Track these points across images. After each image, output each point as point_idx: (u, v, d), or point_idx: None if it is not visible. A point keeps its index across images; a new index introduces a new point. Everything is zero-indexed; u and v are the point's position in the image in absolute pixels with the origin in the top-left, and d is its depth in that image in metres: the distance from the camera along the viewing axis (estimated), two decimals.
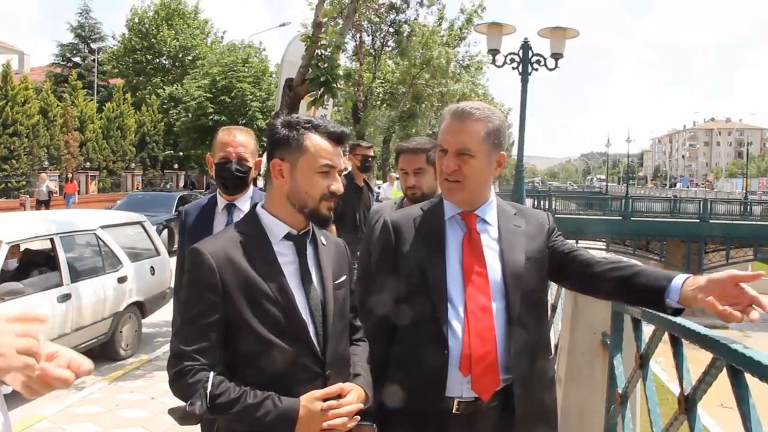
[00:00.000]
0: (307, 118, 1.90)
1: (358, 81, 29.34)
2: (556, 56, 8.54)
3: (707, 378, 1.79)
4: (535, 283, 2.12)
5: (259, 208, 1.95)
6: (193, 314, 1.80)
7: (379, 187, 17.57)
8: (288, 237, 1.92)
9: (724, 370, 1.68)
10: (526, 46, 8.69)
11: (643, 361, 2.36)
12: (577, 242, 28.75)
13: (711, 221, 30.72)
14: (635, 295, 1.97)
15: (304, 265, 1.92)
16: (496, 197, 2.23)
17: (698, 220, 30.67)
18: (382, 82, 34.27)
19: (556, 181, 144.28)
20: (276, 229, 1.91)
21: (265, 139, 1.97)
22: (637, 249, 31.75)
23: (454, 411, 2.04)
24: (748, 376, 1.59)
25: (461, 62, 34.10)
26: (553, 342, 4.39)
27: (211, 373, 1.75)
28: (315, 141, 1.87)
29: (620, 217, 30.91)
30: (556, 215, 30.44)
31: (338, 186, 1.89)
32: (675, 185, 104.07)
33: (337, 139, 1.89)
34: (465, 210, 2.15)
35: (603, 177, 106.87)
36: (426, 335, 2.05)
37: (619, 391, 2.60)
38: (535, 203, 33.48)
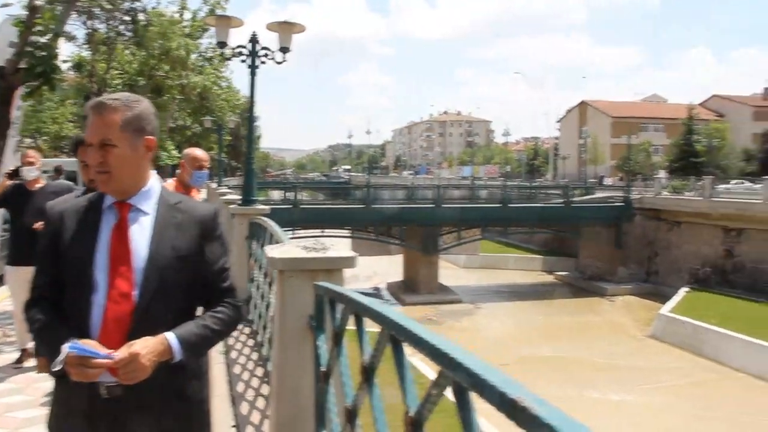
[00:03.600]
0: None
1: (91, 71, 27.63)
2: (284, 50, 8.84)
3: (379, 347, 1.96)
4: (180, 275, 2.19)
5: None
6: None
7: None
8: None
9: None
10: (254, 39, 8.82)
11: (337, 339, 2.51)
12: (323, 231, 29.66)
13: (444, 206, 33.17)
14: None
15: None
16: (162, 188, 2.30)
17: (433, 205, 32.93)
18: (120, 73, 32.52)
19: (304, 173, 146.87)
20: None
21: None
22: (379, 235, 33.42)
23: (103, 395, 2.09)
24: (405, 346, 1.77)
25: (204, 54, 33.44)
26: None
27: None
28: None
29: (363, 205, 32.24)
30: (303, 206, 31.09)
31: None
32: (417, 173, 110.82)
33: None
34: (119, 200, 2.21)
35: (348, 167, 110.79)
36: (72, 320, 2.12)
37: (323, 368, 2.73)
38: (285, 195, 33.92)
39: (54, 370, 1.98)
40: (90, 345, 1.97)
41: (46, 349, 2.11)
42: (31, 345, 6.80)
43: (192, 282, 2.25)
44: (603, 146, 75.36)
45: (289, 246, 3.18)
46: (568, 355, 23.77)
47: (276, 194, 36.60)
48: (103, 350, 1.98)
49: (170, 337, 2.11)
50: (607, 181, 63.76)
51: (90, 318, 2.10)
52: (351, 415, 2.33)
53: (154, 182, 2.29)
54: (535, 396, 1.14)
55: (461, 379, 1.37)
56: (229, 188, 18.78)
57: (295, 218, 29.15)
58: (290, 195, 32.90)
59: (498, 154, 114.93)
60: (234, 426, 4.36)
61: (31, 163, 6.29)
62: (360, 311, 2.23)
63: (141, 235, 2.19)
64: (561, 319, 29.22)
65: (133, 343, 2.02)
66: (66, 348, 1.95)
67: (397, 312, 1.87)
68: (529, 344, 25.20)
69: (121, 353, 1.98)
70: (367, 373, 2.10)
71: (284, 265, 2.94)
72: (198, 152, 5.56)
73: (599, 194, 40.13)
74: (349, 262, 2.96)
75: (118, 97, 2.20)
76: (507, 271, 39.63)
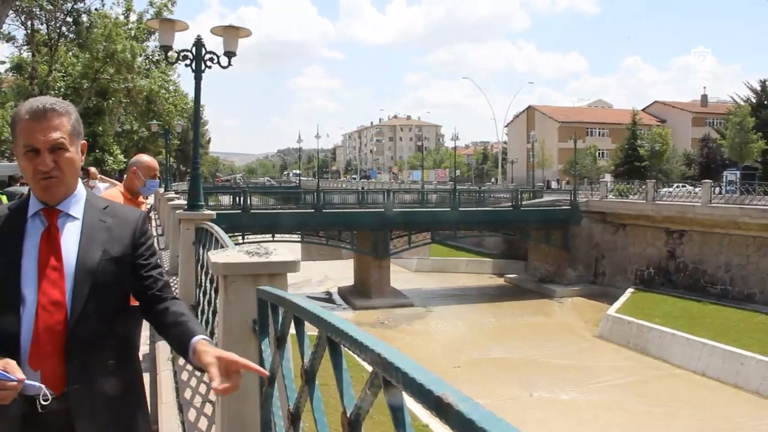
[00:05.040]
0: None
1: (32, 74, 27.01)
2: (229, 54, 8.78)
3: (318, 350, 2.00)
4: (113, 280, 2.17)
5: None
6: None
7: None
8: None
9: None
10: (199, 43, 8.74)
11: (279, 342, 2.54)
12: (273, 236, 29.51)
13: (394, 210, 33.28)
14: (174, 344, 2.28)
15: None
16: (87, 191, 2.29)
17: (383, 210, 33.00)
18: (63, 76, 31.86)
19: (254, 177, 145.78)
20: None
21: None
22: (330, 239, 33.36)
23: (40, 409, 2.03)
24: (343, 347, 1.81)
25: (151, 57, 32.99)
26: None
27: None
28: None
29: (313, 210, 32.16)
30: (253, 210, 30.86)
31: None
32: (368, 178, 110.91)
33: None
34: (48, 206, 2.17)
35: (298, 172, 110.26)
36: (1, 334, 2.05)
37: (267, 372, 2.75)
38: (234, 200, 33.58)
39: None
40: (6, 367, 1.90)
41: None
42: None
43: (125, 283, 2.23)
44: (550, 150, 76.51)
45: (233, 251, 3.19)
46: (518, 356, 24.10)
47: (226, 199, 36.20)
48: (18, 373, 1.90)
49: (202, 337, 2.19)
50: (555, 184, 64.82)
51: (20, 329, 2.04)
52: (294, 418, 2.36)
53: (80, 187, 2.26)
54: (459, 392, 1.18)
55: (392, 378, 1.42)
56: (177, 193, 18.56)
57: (245, 223, 28.93)
58: (240, 200, 32.64)
59: (448, 158, 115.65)
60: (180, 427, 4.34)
61: None
62: (299, 314, 2.26)
63: (71, 240, 2.15)
64: (511, 321, 29.60)
65: (213, 363, 2.07)
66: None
67: (334, 315, 1.91)
68: (480, 346, 25.47)
69: (216, 382, 2.02)
70: (308, 375, 2.13)
71: (228, 270, 2.95)
72: (152, 161, 5.50)
73: (547, 198, 40.78)
74: (291, 266, 2.98)
75: (57, 101, 2.16)
76: (458, 275, 39.96)
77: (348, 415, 1.72)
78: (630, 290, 29.22)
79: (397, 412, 1.44)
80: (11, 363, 1.91)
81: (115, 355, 2.20)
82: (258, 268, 2.90)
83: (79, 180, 2.27)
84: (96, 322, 2.11)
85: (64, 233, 2.16)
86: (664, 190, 35.38)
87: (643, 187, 32.96)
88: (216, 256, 3.09)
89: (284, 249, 3.17)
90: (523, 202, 37.23)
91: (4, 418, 2.11)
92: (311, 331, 2.17)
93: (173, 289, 2.45)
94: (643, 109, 78.71)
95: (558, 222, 34.77)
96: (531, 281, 36.40)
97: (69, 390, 2.06)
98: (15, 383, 1.89)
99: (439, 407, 1.19)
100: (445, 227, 35.50)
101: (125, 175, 5.14)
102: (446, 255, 42.56)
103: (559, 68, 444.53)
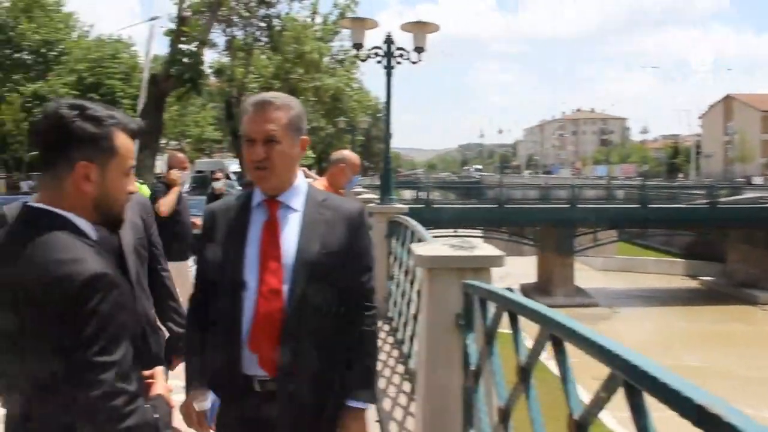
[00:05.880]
0: (108, 111, 1.68)
1: (231, 76, 28.88)
2: (419, 50, 8.89)
3: (538, 347, 1.93)
4: (328, 273, 2.20)
5: (68, 214, 1.64)
6: None
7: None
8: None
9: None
10: (389, 40, 8.92)
11: (489, 338, 2.49)
12: (455, 231, 29.60)
13: (579, 206, 32.23)
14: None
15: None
16: (308, 185, 2.34)
17: (568, 206, 32.08)
18: (256, 77, 33.84)
19: (435, 173, 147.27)
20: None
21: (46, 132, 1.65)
22: (512, 235, 32.96)
23: (257, 389, 2.16)
24: (567, 345, 1.73)
25: (336, 56, 34.19)
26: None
27: None
28: (123, 140, 1.69)
29: (496, 205, 31.88)
30: (435, 205, 31.14)
31: (134, 186, 1.79)
32: (549, 173, 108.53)
33: (136, 135, 1.76)
34: (269, 197, 2.25)
35: (480, 167, 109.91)
36: (223, 317, 2.19)
37: (472, 368, 2.71)
38: (417, 195, 34.08)
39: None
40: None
41: (189, 376, 2.33)
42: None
43: (339, 279, 2.25)
44: (751, 143, 70.84)
45: (436, 244, 3.18)
46: (713, 365, 22.48)
47: (407, 194, 36.84)
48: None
49: (356, 404, 2.25)
50: (757, 180, 59.85)
51: (242, 315, 2.16)
52: (504, 415, 2.30)
53: (301, 180, 2.33)
54: (725, 402, 1.08)
55: (636, 382, 1.32)
56: (363, 188, 19.08)
57: (427, 218, 29.13)
58: (422, 195, 33.04)
59: (634, 152, 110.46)
60: (377, 421, 4.42)
61: (184, 168, 6.64)
62: (516, 310, 2.19)
63: (290, 232, 2.22)
64: (705, 327, 27.64)
65: None
66: (208, 405, 2.24)
67: (558, 313, 1.83)
68: (671, 353, 24.02)
69: None
70: (524, 373, 2.07)
71: (432, 263, 2.94)
72: (357, 157, 5.56)
73: (749, 194, 37.71)
74: (497, 261, 2.93)
75: (279, 96, 2.24)
76: (646, 275, 37.97)
77: (575, 418, 1.64)
78: None
79: (642, 419, 1.34)
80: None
81: (326, 343, 2.25)
82: (464, 261, 2.86)
83: (300, 173, 2.33)
84: (309, 311, 2.17)
85: (285, 224, 2.23)
86: None
87: None
88: (420, 249, 3.09)
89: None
90: (721, 199, 34.66)
91: (224, 397, 2.26)
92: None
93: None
94: None
95: (763, 221, 31.94)
96: (729, 285, 33.72)
97: (280, 374, 2.15)
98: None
99: (702, 417, 1.09)
100: (632, 225, 33.88)
101: (327, 170, 5.23)
102: (633, 254, 40.64)
103: (753, 52, 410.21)
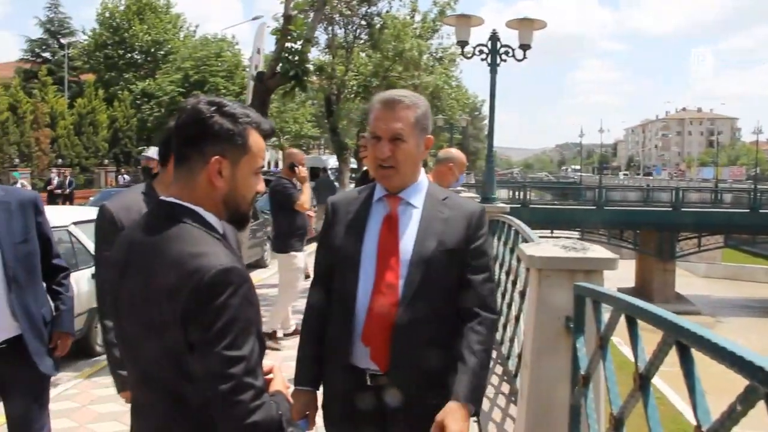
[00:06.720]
0: (244, 110, 1.71)
1: (331, 74, 29.26)
2: (525, 47, 8.74)
3: (660, 355, 1.85)
4: (443, 271, 2.18)
5: (198, 209, 1.67)
6: None
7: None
8: None
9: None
10: (494, 37, 8.82)
11: (602, 342, 2.41)
12: (552, 232, 29.09)
13: (683, 209, 31.05)
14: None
15: None
16: (429, 182, 2.33)
17: (671, 209, 30.99)
18: (355, 75, 34.17)
19: (531, 172, 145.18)
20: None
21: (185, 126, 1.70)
22: (611, 238, 32.11)
23: (368, 383, 2.18)
24: (694, 352, 1.66)
25: (434, 54, 34.12)
26: (522, 327, 4.49)
27: None
28: (256, 138, 1.70)
29: (594, 207, 31.16)
30: (531, 205, 30.69)
31: (263, 186, 1.80)
32: (650, 174, 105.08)
33: (268, 136, 1.78)
34: (391, 193, 2.26)
35: (578, 167, 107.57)
36: (339, 307, 2.22)
37: (582, 372, 2.65)
38: (512, 194, 33.69)
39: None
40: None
41: (298, 380, 2.33)
42: (280, 332, 7.36)
43: (455, 279, 2.23)
44: None
45: (546, 245, 3.12)
46: None
47: (503, 193, 36.48)
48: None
49: (463, 401, 2.13)
50: None
51: (356, 306, 2.18)
52: (618, 423, 2.23)
53: (423, 177, 2.33)
54: None
55: None
56: (461, 186, 18.97)
57: (523, 218, 28.69)
58: (518, 194, 32.63)
59: (745, 154, 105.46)
60: (475, 421, 4.38)
61: (303, 164, 6.91)
62: (635, 314, 2.11)
63: (409, 228, 2.23)
64: None
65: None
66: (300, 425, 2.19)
67: (683, 318, 1.75)
68: None
69: None
70: (643, 380, 1.99)
71: (543, 264, 2.88)
72: (463, 156, 5.51)
73: None
74: (610, 263, 2.85)
75: (407, 95, 2.24)
76: (755, 284, 36.20)
77: (704, 431, 1.56)
78: None
79: None
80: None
81: (438, 341, 2.23)
82: (576, 263, 2.79)
83: (422, 170, 2.34)
84: (423, 308, 2.16)
85: (404, 221, 2.24)
86: None
87: None
88: (531, 249, 3.03)
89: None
90: None
91: (335, 389, 2.29)
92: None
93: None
94: None
95: None
96: None
97: (391, 368, 2.15)
98: None
99: None
100: (741, 231, 32.35)
101: (434, 169, 5.20)
102: (741, 261, 38.83)
103: None
